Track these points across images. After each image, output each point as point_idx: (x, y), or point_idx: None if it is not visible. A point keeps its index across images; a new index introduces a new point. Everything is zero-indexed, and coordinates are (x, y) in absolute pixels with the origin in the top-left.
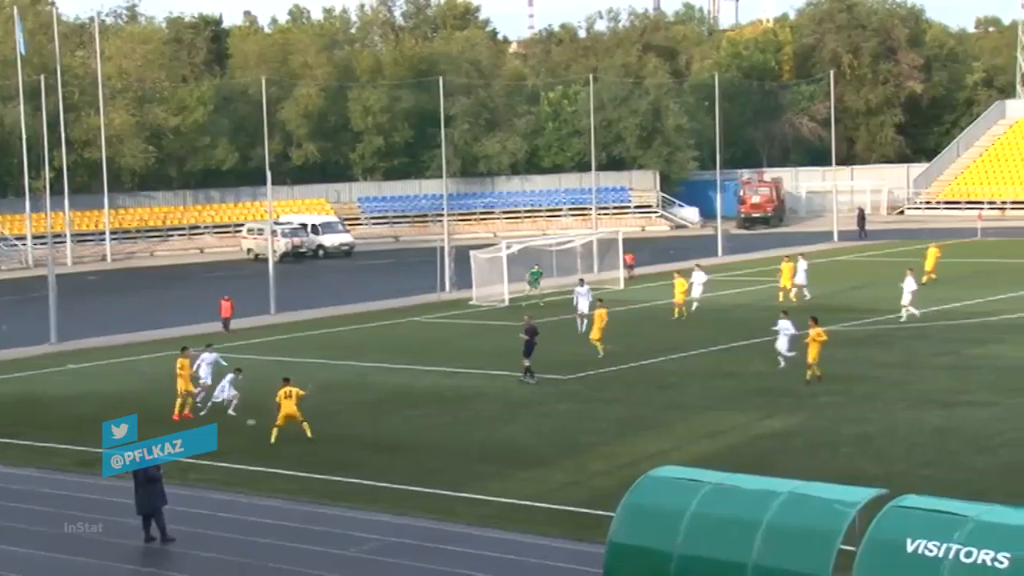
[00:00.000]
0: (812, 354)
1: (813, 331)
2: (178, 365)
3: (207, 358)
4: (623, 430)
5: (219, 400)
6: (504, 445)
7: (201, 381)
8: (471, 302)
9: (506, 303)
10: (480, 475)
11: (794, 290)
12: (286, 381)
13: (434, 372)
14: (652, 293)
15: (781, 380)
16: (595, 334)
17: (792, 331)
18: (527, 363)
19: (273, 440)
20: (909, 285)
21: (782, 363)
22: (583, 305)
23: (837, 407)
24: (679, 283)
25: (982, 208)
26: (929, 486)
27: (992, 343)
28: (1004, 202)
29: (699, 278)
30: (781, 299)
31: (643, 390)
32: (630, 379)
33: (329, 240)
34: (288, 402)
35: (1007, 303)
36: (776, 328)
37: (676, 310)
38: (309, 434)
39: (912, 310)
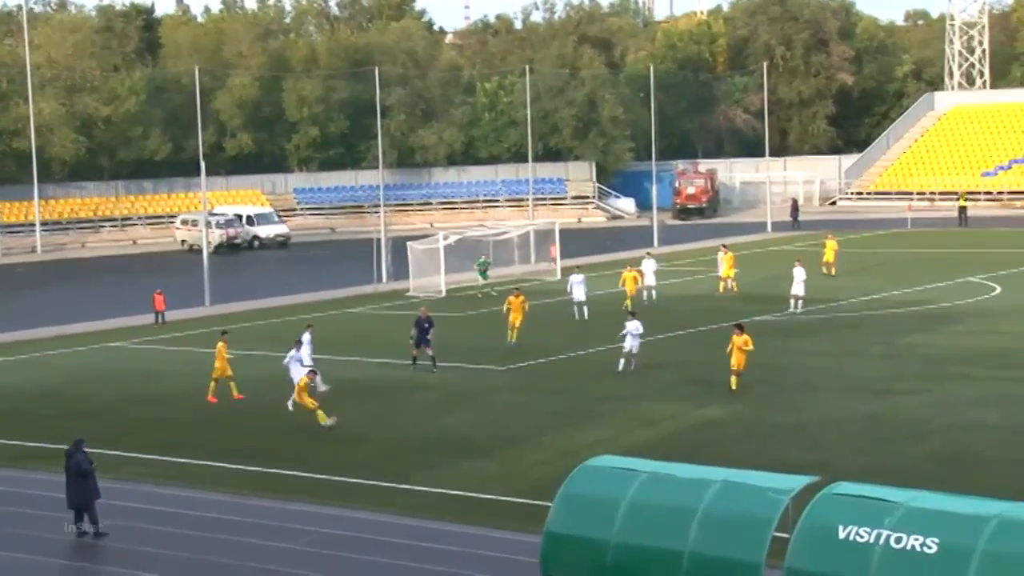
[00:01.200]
0: (737, 361)
1: (739, 339)
2: (218, 348)
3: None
4: (560, 420)
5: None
6: (443, 436)
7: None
8: (408, 293)
9: (443, 294)
10: (419, 466)
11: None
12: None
13: (372, 364)
14: (589, 284)
15: (717, 371)
16: (515, 319)
17: (640, 331)
18: (415, 352)
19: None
20: (799, 275)
21: (621, 365)
22: (578, 293)
23: (771, 396)
24: (629, 276)
25: (912, 199)
26: (862, 473)
27: (923, 332)
28: (933, 193)
29: (650, 266)
30: (721, 290)
31: (580, 381)
32: (567, 370)
33: (264, 231)
34: (303, 394)
35: (937, 292)
36: (624, 332)
37: (628, 301)
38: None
39: (797, 301)
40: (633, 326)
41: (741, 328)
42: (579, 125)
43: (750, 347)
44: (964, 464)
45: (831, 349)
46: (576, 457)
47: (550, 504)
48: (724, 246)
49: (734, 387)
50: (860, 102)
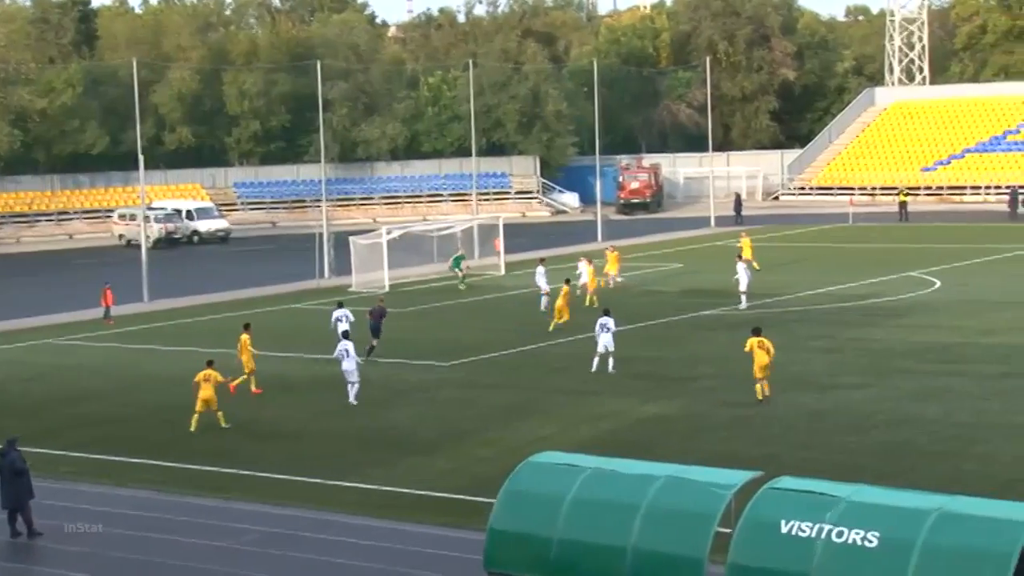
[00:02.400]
0: (759, 366)
1: (755, 340)
2: (242, 341)
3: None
4: (506, 416)
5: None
6: (386, 432)
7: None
8: (351, 288)
9: (386, 289)
10: (361, 463)
11: (607, 280)
12: (209, 364)
13: (314, 360)
14: (533, 280)
15: (662, 366)
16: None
17: (612, 328)
18: (374, 342)
19: (193, 428)
20: (743, 273)
21: (596, 363)
22: (542, 283)
23: (716, 391)
24: (590, 269)
25: (853, 194)
26: (805, 467)
27: (865, 326)
28: (874, 188)
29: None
30: (600, 284)
31: (526, 376)
32: (513, 365)
33: (204, 226)
34: (207, 386)
35: (879, 287)
36: (605, 325)
37: (588, 297)
38: (223, 423)
39: (743, 299)
40: (607, 322)
41: (758, 331)
42: (523, 120)
43: (771, 352)
44: (905, 458)
45: (776, 343)
46: (521, 453)
47: (494, 500)
48: (612, 247)
49: (760, 396)
50: (802, 97)
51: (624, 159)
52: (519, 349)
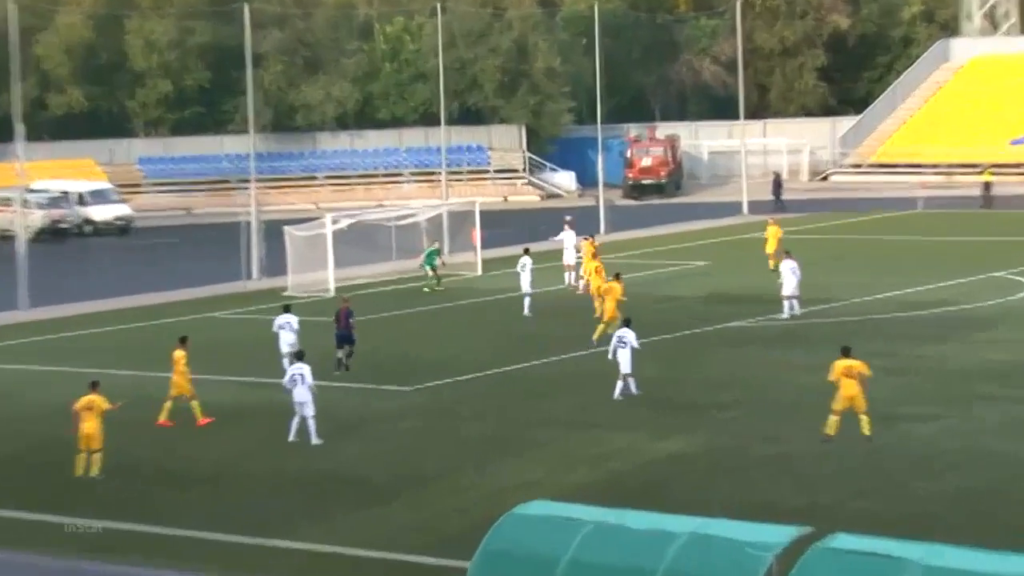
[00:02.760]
0: (846, 395)
1: (843, 364)
2: (175, 358)
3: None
4: (483, 455)
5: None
6: (328, 476)
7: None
8: (285, 292)
9: (331, 293)
10: (298, 516)
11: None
12: (94, 387)
13: (237, 383)
14: (517, 280)
15: (682, 389)
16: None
17: (633, 344)
18: (340, 354)
19: (79, 472)
20: (790, 270)
21: (620, 388)
22: (524, 282)
23: (748, 422)
24: (592, 266)
25: (923, 173)
26: (862, 521)
27: (935, 341)
28: (950, 166)
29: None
30: (574, 284)
31: (509, 403)
32: (491, 389)
33: (100, 213)
34: (89, 416)
35: (955, 291)
36: (623, 339)
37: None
38: (96, 470)
39: (792, 302)
40: (626, 335)
41: (848, 352)
42: (505, 79)
43: (864, 376)
44: (989, 508)
45: (823, 362)
46: (502, 503)
47: (467, 564)
48: (588, 237)
49: (831, 431)
50: (858, 51)
51: (633, 129)
52: (500, 369)
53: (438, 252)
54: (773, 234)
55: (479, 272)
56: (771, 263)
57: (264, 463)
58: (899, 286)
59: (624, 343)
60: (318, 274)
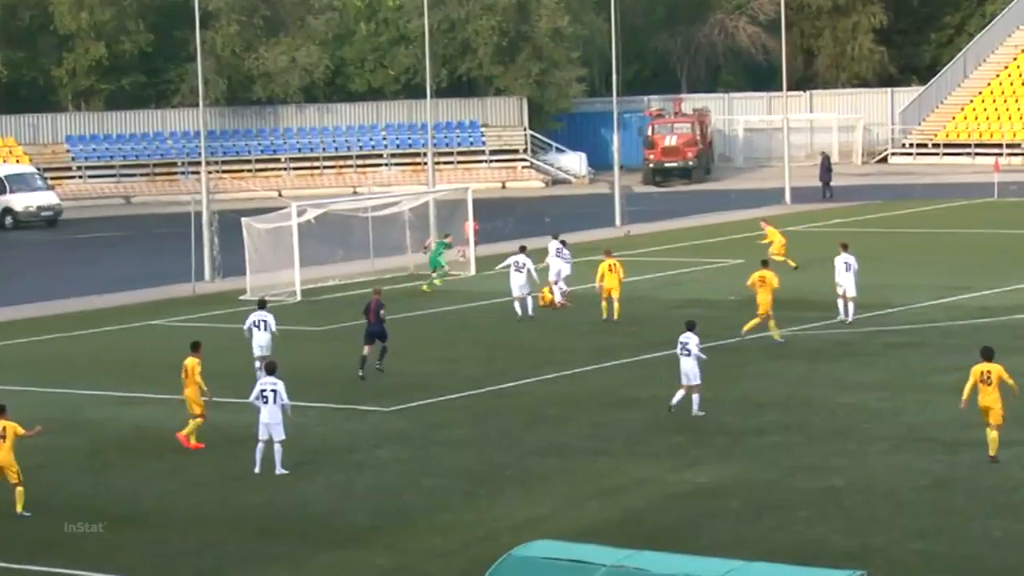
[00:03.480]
0: (988, 409)
1: (981, 368)
2: (187, 366)
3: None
4: (474, 487)
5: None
6: (296, 513)
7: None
8: (243, 296)
9: (298, 297)
10: (257, 559)
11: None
12: (1, 411)
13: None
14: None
15: (711, 412)
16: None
17: (695, 351)
18: (365, 351)
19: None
20: (845, 266)
21: (696, 402)
22: (516, 284)
23: (791, 450)
24: (604, 266)
25: (1001, 154)
26: (926, 567)
27: (1014, 353)
28: None
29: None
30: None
31: (503, 426)
32: (484, 410)
33: (21, 201)
34: (0, 446)
35: None
36: (685, 345)
37: (605, 304)
38: (20, 507)
39: (847, 304)
40: (688, 340)
41: (989, 355)
42: (503, 43)
43: (1008, 381)
44: None
45: (879, 379)
46: (498, 543)
47: None
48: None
49: (993, 452)
50: (923, 9)
51: (655, 102)
52: (494, 387)
53: (449, 245)
54: (775, 235)
55: (472, 272)
56: (791, 262)
57: (218, 497)
58: (970, 288)
59: (687, 350)
60: (282, 274)
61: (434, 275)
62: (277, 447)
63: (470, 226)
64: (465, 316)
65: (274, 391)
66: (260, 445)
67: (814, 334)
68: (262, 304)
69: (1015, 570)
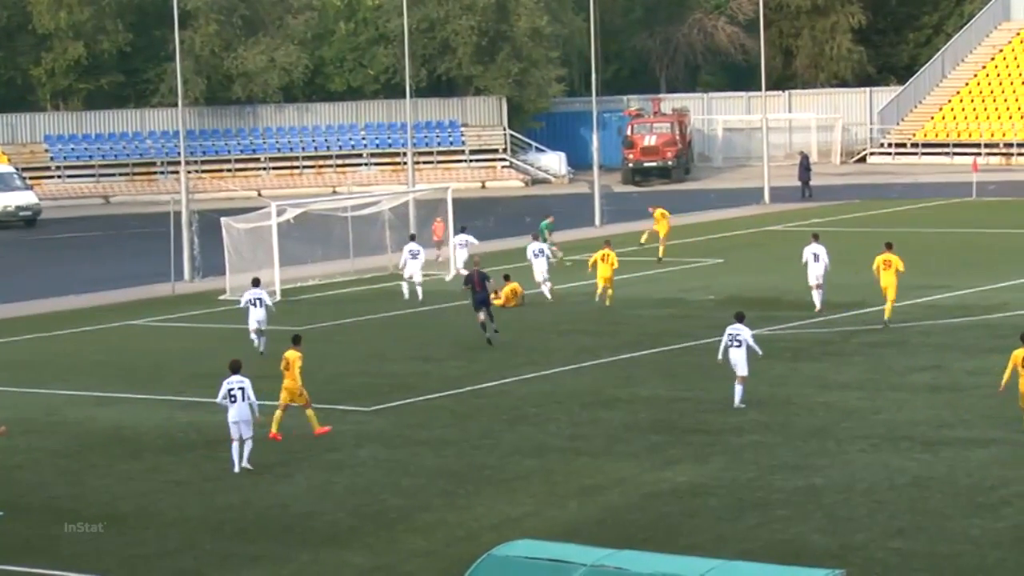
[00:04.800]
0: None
1: (1021, 353)
2: (289, 360)
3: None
4: (454, 486)
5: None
6: (274, 514)
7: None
8: (223, 296)
9: (277, 296)
10: (235, 559)
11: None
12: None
13: (166, 403)
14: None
15: (690, 410)
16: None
17: (748, 341)
18: (482, 317)
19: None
20: (815, 257)
21: (740, 394)
22: (412, 268)
23: (770, 449)
24: (598, 256)
25: (979, 153)
26: (904, 565)
27: (992, 352)
28: (1010, 145)
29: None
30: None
31: (485, 425)
32: (465, 410)
33: (0, 201)
34: None
35: (1013, 294)
36: (736, 336)
37: (600, 292)
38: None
39: (816, 296)
40: (738, 331)
41: None
42: (483, 42)
43: None
44: None
45: (858, 378)
46: (478, 543)
47: None
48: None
49: None
50: (901, 9)
51: (634, 102)
52: (474, 387)
53: (551, 228)
54: (662, 217)
55: (451, 273)
56: (661, 251)
57: (196, 498)
58: (949, 287)
59: (739, 341)
60: (262, 274)
61: (552, 258)
62: (248, 443)
63: (442, 227)
64: (445, 316)
65: (241, 389)
66: (235, 444)
67: (793, 333)
68: (256, 283)
69: (993, 569)
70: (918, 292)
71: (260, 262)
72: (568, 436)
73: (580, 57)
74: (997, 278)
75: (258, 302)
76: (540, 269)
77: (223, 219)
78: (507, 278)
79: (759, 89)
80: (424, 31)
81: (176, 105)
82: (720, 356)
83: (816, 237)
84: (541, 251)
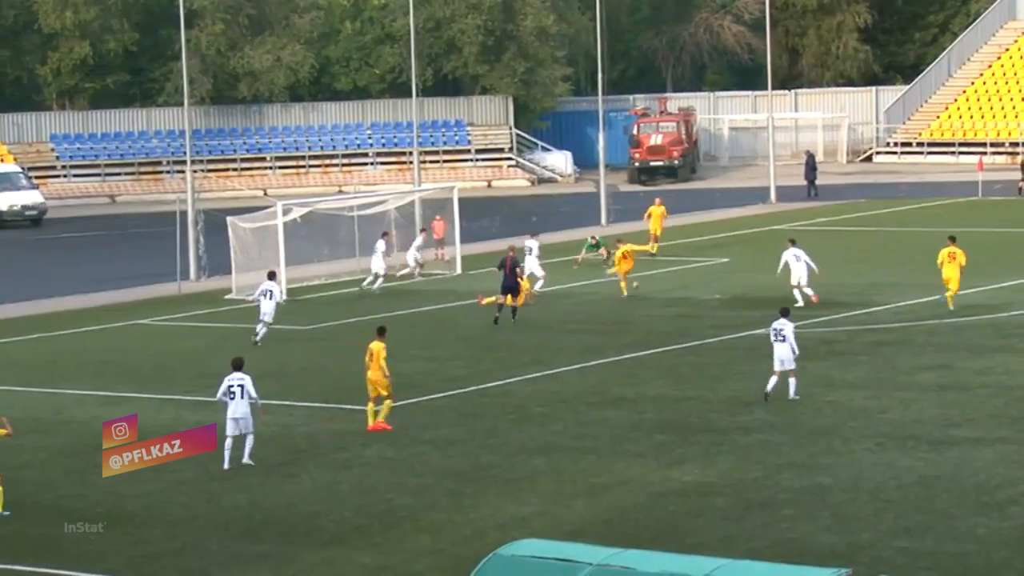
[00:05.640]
0: None
1: None
2: (374, 351)
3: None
4: (459, 486)
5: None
6: (282, 513)
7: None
8: (229, 296)
9: (283, 296)
10: (243, 559)
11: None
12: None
13: (172, 402)
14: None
15: (696, 410)
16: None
17: (789, 335)
18: (504, 300)
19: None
20: (796, 259)
21: (793, 386)
22: (376, 263)
23: (776, 448)
24: (622, 250)
25: (984, 153)
26: (911, 564)
27: (998, 352)
28: (1016, 144)
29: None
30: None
31: (490, 425)
32: (471, 409)
33: (5, 200)
34: None
35: (1019, 292)
36: (780, 331)
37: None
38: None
39: (806, 291)
40: (782, 326)
41: None
42: (489, 42)
43: None
44: None
45: (864, 377)
46: (484, 542)
47: None
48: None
49: None
50: (908, 8)
51: (641, 101)
52: (479, 386)
53: (600, 245)
54: (657, 214)
55: (458, 271)
56: (652, 248)
57: (203, 497)
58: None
59: (782, 336)
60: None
61: (605, 258)
62: (249, 439)
63: (442, 225)
64: (451, 315)
65: (241, 386)
66: (228, 441)
67: (799, 333)
68: (271, 276)
69: (1000, 568)
70: (924, 291)
71: (266, 261)
72: (574, 435)
73: (586, 56)
74: (1003, 277)
75: (269, 294)
76: (532, 266)
77: (229, 218)
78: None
79: (765, 88)
80: (430, 30)
81: (182, 104)
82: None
83: (793, 242)
84: (531, 249)
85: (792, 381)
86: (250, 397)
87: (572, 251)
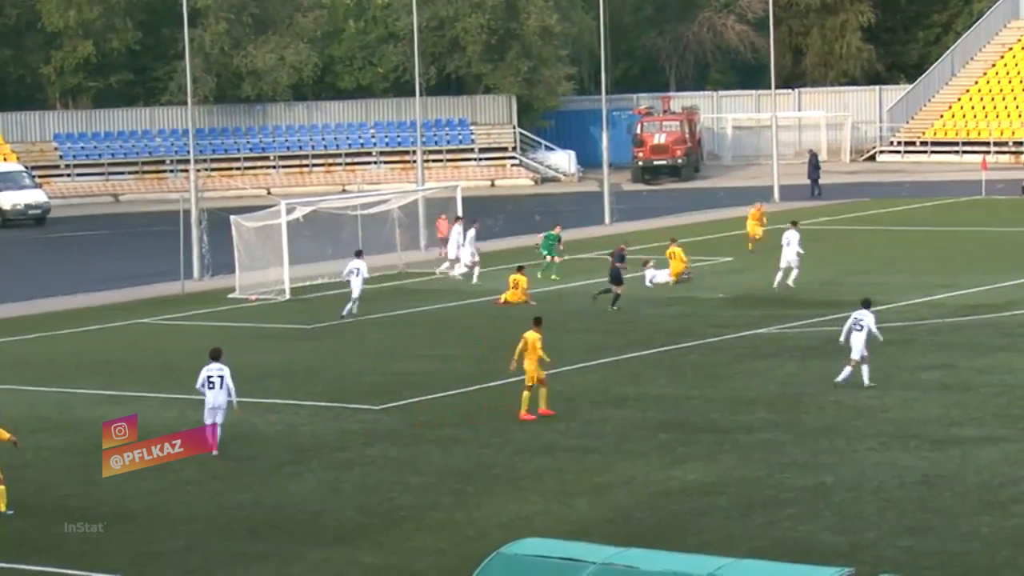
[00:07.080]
0: None
1: None
2: (529, 341)
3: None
4: (464, 485)
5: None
6: (285, 511)
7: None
8: (232, 295)
9: (287, 295)
10: (246, 558)
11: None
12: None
13: (177, 401)
14: (504, 282)
15: (699, 409)
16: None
17: (870, 327)
18: (616, 289)
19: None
20: (787, 242)
21: (846, 374)
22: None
23: (779, 447)
24: (674, 252)
25: (988, 152)
26: (914, 563)
27: (1001, 350)
28: (1019, 143)
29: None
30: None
31: (492, 424)
32: (474, 408)
33: (9, 200)
34: None
35: (1022, 292)
36: (860, 321)
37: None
38: (2, 505)
39: (789, 283)
40: (862, 317)
41: None
42: (492, 41)
43: None
44: None
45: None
46: (487, 541)
47: None
48: (673, 239)
49: None
50: (911, 7)
51: (644, 100)
52: (483, 385)
53: (557, 239)
54: (755, 216)
55: (461, 271)
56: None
57: (206, 496)
58: (957, 286)
59: (861, 326)
60: (271, 272)
61: (550, 262)
62: (218, 430)
63: (446, 225)
64: (455, 314)
65: (220, 377)
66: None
67: (803, 332)
68: (358, 254)
69: (1002, 567)
70: (927, 290)
71: (269, 260)
72: (577, 435)
73: (589, 55)
74: (1006, 276)
75: (357, 271)
76: (467, 255)
77: (232, 217)
78: (520, 269)
79: (768, 87)
80: (434, 29)
81: (185, 103)
82: (843, 338)
83: (794, 223)
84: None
85: (865, 369)
86: (228, 392)
87: (573, 251)
